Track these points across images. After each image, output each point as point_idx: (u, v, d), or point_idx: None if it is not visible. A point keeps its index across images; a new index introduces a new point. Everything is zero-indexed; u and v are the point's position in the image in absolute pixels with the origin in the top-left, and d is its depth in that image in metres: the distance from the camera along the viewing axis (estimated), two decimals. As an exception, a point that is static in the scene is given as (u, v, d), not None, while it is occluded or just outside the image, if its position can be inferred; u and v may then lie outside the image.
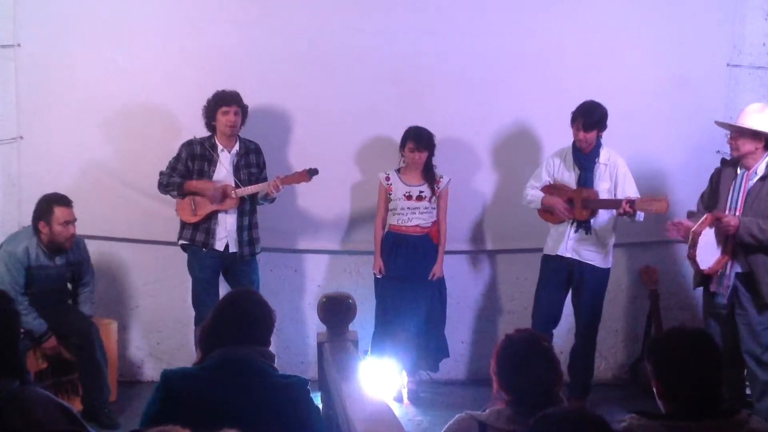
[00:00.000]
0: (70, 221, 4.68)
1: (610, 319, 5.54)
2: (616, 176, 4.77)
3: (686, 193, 4.79)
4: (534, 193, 4.93)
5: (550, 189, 4.90)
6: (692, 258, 4.23)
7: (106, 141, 5.35)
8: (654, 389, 2.38)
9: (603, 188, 4.77)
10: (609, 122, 4.75)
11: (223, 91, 4.84)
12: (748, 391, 4.60)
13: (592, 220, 4.78)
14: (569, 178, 4.86)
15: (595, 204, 4.74)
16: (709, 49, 5.42)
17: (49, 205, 4.63)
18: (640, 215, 4.62)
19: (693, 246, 4.17)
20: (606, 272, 4.92)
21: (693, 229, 4.18)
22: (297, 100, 5.36)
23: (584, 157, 4.79)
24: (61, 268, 4.79)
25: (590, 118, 4.68)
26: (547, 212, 4.93)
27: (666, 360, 2.35)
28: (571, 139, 4.82)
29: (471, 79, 5.39)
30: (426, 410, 5.09)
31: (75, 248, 4.82)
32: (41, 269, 4.68)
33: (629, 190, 4.74)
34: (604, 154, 4.78)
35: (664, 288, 5.55)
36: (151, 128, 5.34)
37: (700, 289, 4.58)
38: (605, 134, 4.80)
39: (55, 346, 4.70)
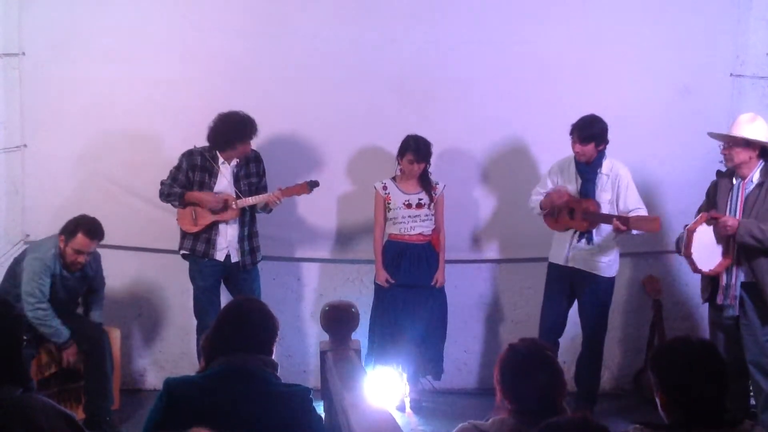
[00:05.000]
0: (84, 252, 4.62)
1: (613, 328, 5.52)
2: (618, 187, 4.73)
3: (688, 204, 4.77)
4: (536, 199, 4.94)
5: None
6: (688, 257, 4.20)
7: (109, 149, 5.36)
8: (657, 399, 2.37)
9: (604, 199, 4.74)
10: (611, 132, 4.74)
11: (251, 124, 4.76)
12: (752, 402, 4.57)
13: (593, 230, 4.77)
14: (571, 188, 4.85)
15: (591, 216, 4.71)
16: (712, 58, 5.43)
17: (77, 228, 4.59)
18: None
19: (688, 244, 4.16)
20: (610, 281, 4.87)
21: (688, 227, 4.19)
22: (300, 109, 5.37)
23: (586, 168, 4.78)
24: (78, 281, 4.79)
25: (584, 131, 4.66)
26: (551, 217, 4.92)
27: (669, 370, 2.34)
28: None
29: (473, 88, 5.41)
30: (428, 420, 5.07)
31: (93, 262, 4.82)
32: (61, 279, 4.67)
33: (631, 201, 4.71)
34: (606, 165, 4.76)
35: (667, 298, 5.54)
36: (155, 137, 5.35)
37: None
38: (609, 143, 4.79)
39: (75, 354, 4.67)
